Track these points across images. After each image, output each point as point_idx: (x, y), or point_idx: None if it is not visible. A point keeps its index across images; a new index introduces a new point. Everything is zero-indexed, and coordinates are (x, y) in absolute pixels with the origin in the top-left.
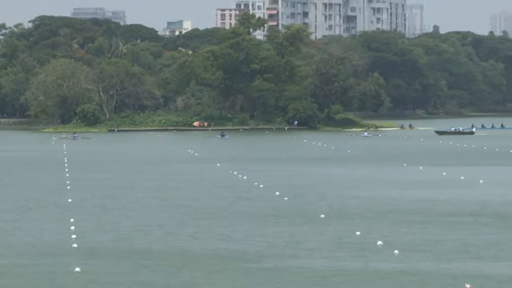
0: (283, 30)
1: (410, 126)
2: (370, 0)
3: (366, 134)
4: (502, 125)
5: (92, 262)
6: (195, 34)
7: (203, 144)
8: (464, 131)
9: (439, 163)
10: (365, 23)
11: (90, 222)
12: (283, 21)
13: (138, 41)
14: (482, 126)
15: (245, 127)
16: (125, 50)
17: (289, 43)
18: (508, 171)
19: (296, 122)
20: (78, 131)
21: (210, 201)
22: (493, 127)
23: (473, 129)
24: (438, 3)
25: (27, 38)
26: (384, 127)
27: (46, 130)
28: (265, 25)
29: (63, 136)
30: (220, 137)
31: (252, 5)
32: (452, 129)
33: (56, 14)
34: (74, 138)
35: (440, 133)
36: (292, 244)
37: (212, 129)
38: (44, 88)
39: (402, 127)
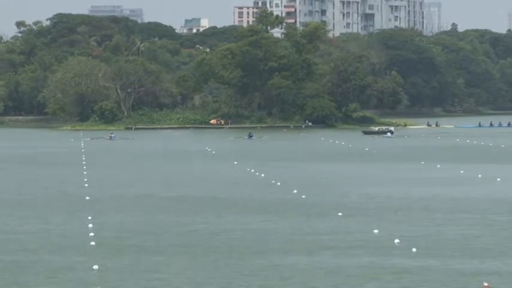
0: (301, 28)
1: (436, 124)
2: None
3: (388, 134)
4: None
5: (110, 260)
6: (212, 32)
7: (220, 143)
8: (385, 130)
9: (457, 161)
10: (383, 21)
11: (108, 220)
12: (301, 19)
13: (156, 39)
14: (491, 124)
15: (263, 125)
16: (143, 48)
17: (307, 41)
18: None
19: (310, 123)
20: (96, 128)
21: (227, 197)
22: (500, 125)
23: (392, 129)
24: (456, 1)
25: (45, 36)
26: (410, 125)
27: (64, 128)
28: (283, 23)
29: (99, 136)
30: (247, 137)
31: (270, 2)
32: (376, 129)
33: (73, 12)
34: (110, 139)
35: (366, 133)
36: (309, 242)
37: (229, 127)
38: (61, 86)
39: (429, 125)
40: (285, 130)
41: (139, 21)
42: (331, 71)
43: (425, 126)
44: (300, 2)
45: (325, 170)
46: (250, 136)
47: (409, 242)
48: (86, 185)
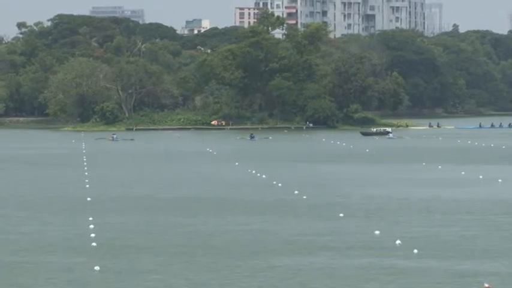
0: (302, 29)
1: (438, 125)
2: None
3: (390, 135)
4: (509, 124)
5: (111, 261)
6: (213, 33)
7: (221, 143)
8: (383, 131)
9: (458, 162)
10: (384, 22)
11: (109, 221)
12: (302, 19)
13: (157, 40)
14: (492, 125)
15: (264, 126)
16: (144, 49)
17: (308, 42)
18: None
19: (311, 124)
20: (97, 129)
21: (228, 198)
22: (500, 126)
23: (390, 130)
24: (457, 2)
25: (46, 37)
26: (412, 126)
27: (65, 129)
28: (284, 24)
29: (101, 137)
30: (249, 138)
31: (271, 3)
32: (374, 130)
33: (74, 13)
34: (113, 139)
35: (364, 134)
36: (309, 242)
37: (230, 128)
38: (62, 87)
39: (430, 126)
40: (286, 131)
41: (140, 22)
42: (332, 72)
43: (427, 127)
44: (301, 3)
45: (326, 171)
46: (252, 137)
47: (410, 243)
48: (87, 186)
